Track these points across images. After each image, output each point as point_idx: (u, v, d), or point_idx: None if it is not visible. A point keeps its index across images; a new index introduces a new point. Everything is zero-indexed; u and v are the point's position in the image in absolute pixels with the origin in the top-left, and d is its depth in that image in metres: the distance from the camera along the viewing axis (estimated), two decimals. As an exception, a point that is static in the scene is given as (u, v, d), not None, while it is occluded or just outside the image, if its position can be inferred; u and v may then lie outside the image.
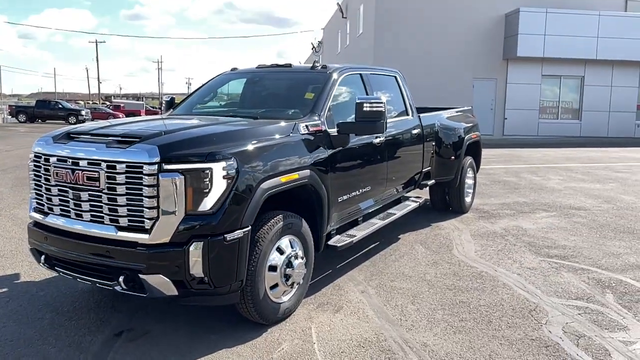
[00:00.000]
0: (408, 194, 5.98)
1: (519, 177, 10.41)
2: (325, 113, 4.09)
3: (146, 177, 2.88)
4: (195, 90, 5.16)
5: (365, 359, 3.06)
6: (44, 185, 3.33)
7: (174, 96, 5.17)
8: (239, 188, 3.05)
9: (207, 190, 2.94)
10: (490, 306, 3.85)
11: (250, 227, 3.13)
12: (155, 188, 2.88)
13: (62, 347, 3.19)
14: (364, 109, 3.93)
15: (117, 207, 2.99)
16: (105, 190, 3.00)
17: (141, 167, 2.90)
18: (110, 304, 3.90)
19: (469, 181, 7.03)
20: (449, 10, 21.32)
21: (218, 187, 2.96)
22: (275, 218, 3.37)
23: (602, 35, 20.95)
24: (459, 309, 3.80)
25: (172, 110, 4.98)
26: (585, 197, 8.29)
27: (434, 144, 6.16)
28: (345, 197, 4.24)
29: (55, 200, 3.27)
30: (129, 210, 2.96)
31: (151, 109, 61.16)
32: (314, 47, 44.12)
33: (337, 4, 31.24)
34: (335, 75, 4.48)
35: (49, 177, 3.27)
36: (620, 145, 19.17)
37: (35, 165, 3.41)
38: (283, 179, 3.40)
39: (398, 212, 5.29)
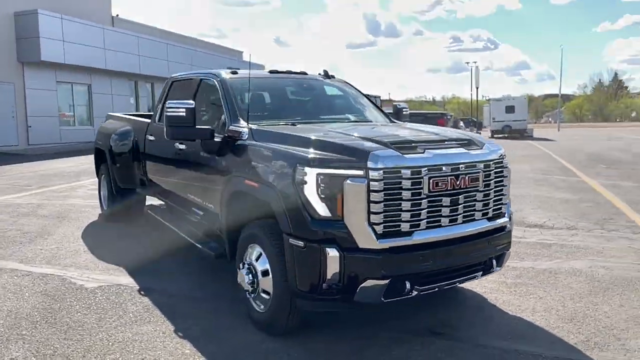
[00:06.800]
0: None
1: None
2: None
3: (505, 169, 3.50)
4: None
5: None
6: (409, 202, 2.96)
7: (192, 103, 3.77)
8: None
9: None
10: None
11: None
12: (507, 177, 3.55)
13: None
14: (404, 112, 5.15)
15: (489, 201, 3.36)
16: (481, 188, 3.29)
17: (501, 162, 3.47)
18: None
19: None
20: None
21: None
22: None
23: (108, 47, 22.78)
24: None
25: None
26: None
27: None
28: None
29: (423, 213, 3.03)
30: (495, 200, 3.42)
31: None
32: None
33: None
34: None
35: (418, 191, 2.98)
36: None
37: (385, 184, 2.89)
38: None
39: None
